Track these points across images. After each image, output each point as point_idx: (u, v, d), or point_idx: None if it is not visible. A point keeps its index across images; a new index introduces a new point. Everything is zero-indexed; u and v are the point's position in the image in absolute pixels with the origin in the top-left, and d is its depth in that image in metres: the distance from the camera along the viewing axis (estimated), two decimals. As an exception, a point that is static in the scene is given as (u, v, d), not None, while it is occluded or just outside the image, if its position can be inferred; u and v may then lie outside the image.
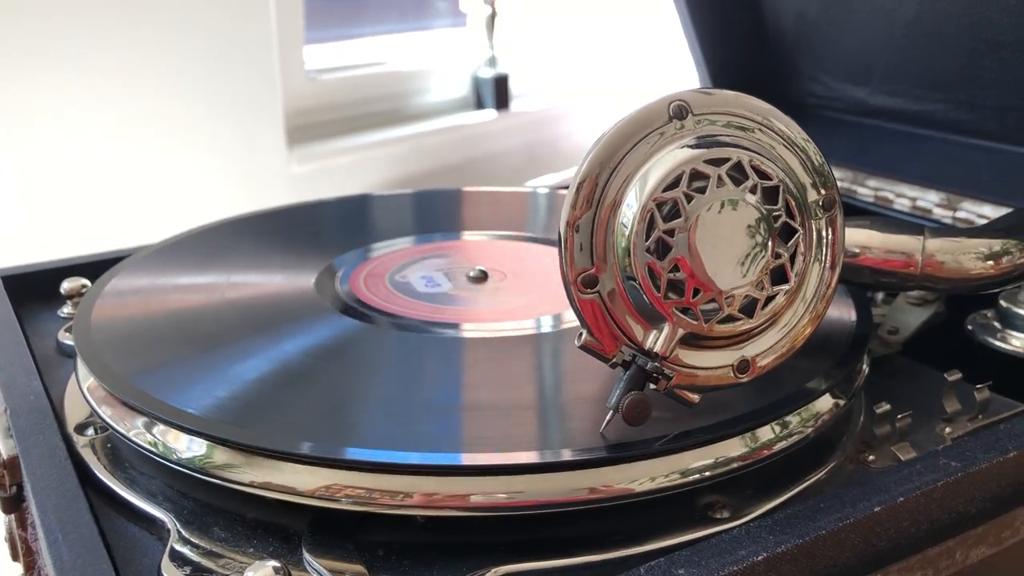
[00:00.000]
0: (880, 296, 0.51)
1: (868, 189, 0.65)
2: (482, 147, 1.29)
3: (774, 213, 0.31)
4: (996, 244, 0.41)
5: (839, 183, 0.67)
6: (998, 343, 0.47)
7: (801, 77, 0.71)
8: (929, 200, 0.62)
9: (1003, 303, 0.47)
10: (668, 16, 0.72)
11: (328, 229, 0.58)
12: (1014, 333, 0.47)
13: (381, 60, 1.28)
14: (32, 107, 0.84)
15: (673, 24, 0.72)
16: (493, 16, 1.30)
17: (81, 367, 0.39)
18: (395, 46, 1.33)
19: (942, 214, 0.60)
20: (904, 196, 0.63)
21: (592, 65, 1.41)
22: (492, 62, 1.31)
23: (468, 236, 0.55)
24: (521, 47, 1.39)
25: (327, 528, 0.32)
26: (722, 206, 0.31)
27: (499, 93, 1.31)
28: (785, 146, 0.33)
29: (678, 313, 0.31)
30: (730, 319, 0.31)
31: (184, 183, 0.95)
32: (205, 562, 0.31)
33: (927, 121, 0.64)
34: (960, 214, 0.60)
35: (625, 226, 0.31)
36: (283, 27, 1.05)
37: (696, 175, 0.31)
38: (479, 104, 1.33)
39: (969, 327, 0.48)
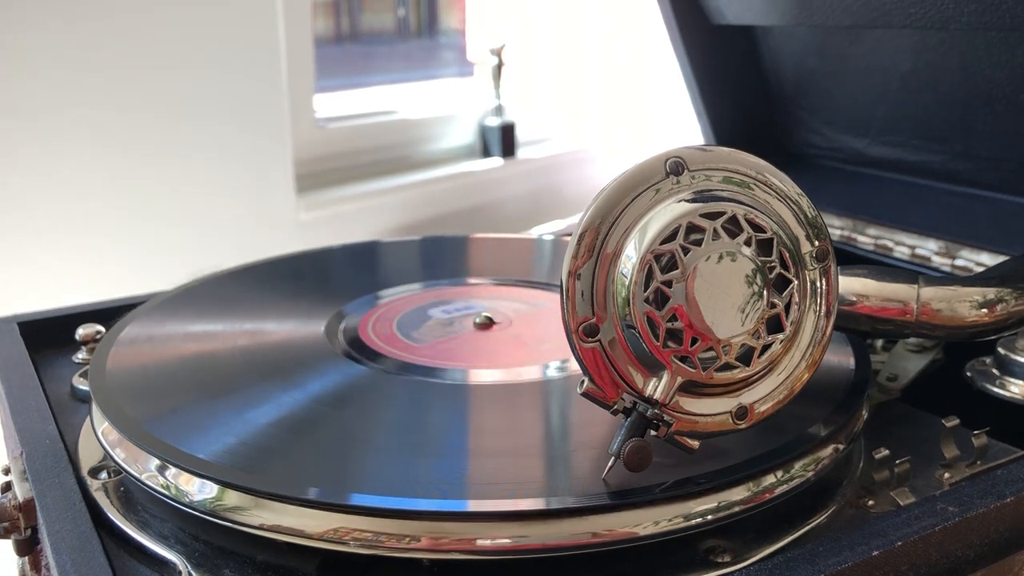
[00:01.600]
0: (879, 343, 0.52)
1: (868, 237, 0.66)
2: (488, 194, 1.31)
3: (769, 264, 0.32)
4: (991, 292, 0.42)
5: (839, 232, 0.68)
6: (997, 390, 0.47)
7: (801, 128, 0.72)
8: (928, 248, 0.63)
9: (1001, 350, 0.48)
10: (671, 68, 0.74)
11: (337, 276, 0.59)
12: (1012, 380, 0.47)
13: (389, 109, 1.30)
14: (45, 151, 0.85)
15: (676, 76, 0.73)
16: (499, 66, 1.32)
17: (96, 412, 0.40)
18: (403, 96, 1.35)
19: (941, 262, 0.61)
20: (903, 244, 0.64)
21: (598, 113, 1.43)
22: (498, 111, 1.33)
23: (475, 282, 0.57)
24: (527, 96, 1.41)
25: (335, 571, 0.33)
26: (719, 258, 0.32)
27: (505, 141, 1.33)
28: (779, 200, 0.34)
29: (677, 361, 0.32)
30: (728, 367, 0.32)
31: (193, 229, 0.97)
32: (215, 604, 0.32)
33: (925, 171, 0.66)
34: (959, 262, 0.61)
35: (625, 276, 0.32)
36: (293, 75, 1.07)
37: (692, 228, 0.32)
38: (485, 152, 1.35)
39: (968, 374, 0.49)
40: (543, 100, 1.43)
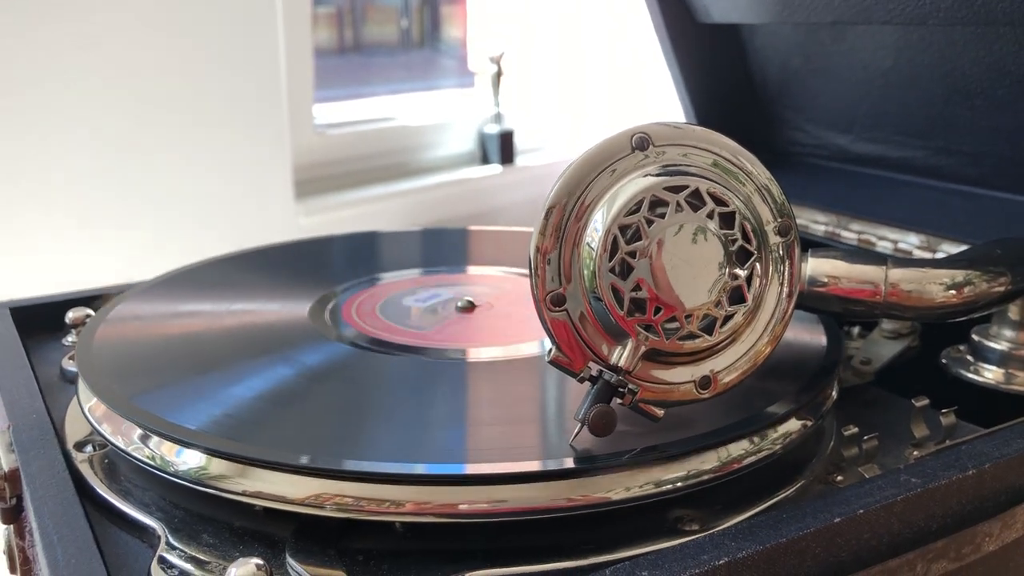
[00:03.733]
0: (856, 330, 0.53)
1: (852, 232, 0.67)
2: (487, 201, 1.32)
3: (731, 237, 0.33)
4: (959, 274, 0.43)
5: (824, 227, 0.69)
6: (971, 376, 0.48)
7: (786, 126, 0.74)
8: (910, 242, 0.63)
9: (975, 337, 0.49)
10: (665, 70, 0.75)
11: (327, 263, 0.60)
12: (986, 366, 0.48)
13: (390, 116, 1.31)
14: (46, 151, 0.87)
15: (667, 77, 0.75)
16: (498, 74, 1.34)
17: (83, 387, 0.41)
18: (404, 105, 1.37)
19: (923, 256, 0.62)
20: (886, 239, 0.65)
21: (598, 119, 1.44)
22: (497, 118, 1.34)
23: (460, 271, 0.58)
24: (527, 103, 1.42)
25: (310, 536, 0.34)
26: (683, 230, 0.33)
27: (504, 148, 1.35)
28: (746, 178, 0.35)
29: (641, 329, 0.33)
30: (691, 336, 0.33)
31: (192, 232, 0.98)
32: (192, 566, 0.33)
33: (907, 167, 0.67)
34: (939, 255, 0.61)
35: (591, 248, 0.33)
36: (293, 81, 1.08)
37: (656, 201, 0.33)
38: (485, 159, 1.36)
39: (943, 361, 0.50)
40: (543, 107, 1.45)
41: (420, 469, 0.33)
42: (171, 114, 0.95)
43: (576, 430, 0.34)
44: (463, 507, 0.33)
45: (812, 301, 0.43)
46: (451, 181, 1.28)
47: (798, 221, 0.54)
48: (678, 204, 0.33)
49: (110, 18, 0.88)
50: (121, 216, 0.92)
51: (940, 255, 0.61)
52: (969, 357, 0.49)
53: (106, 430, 0.39)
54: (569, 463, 0.34)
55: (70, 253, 0.89)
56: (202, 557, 0.33)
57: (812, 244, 0.66)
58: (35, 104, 0.85)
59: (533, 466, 0.33)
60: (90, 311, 0.50)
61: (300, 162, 1.13)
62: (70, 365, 0.47)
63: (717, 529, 0.35)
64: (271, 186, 1.06)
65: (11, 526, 0.40)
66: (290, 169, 1.07)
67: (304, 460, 0.34)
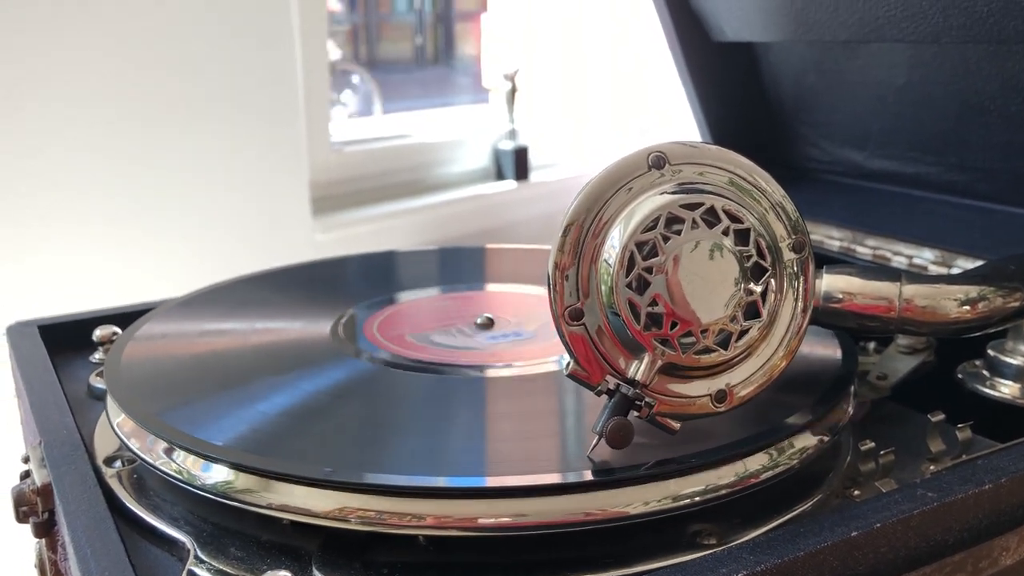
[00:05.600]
0: (872, 345, 0.53)
1: (867, 248, 0.68)
2: (502, 217, 1.32)
3: (746, 253, 0.34)
4: (973, 290, 0.43)
5: (839, 243, 0.69)
6: (987, 391, 0.49)
7: (801, 143, 0.74)
8: (925, 258, 0.64)
9: (991, 352, 0.49)
10: (679, 86, 0.76)
11: (348, 282, 0.61)
12: (1002, 381, 0.48)
13: (405, 133, 1.33)
14: (59, 174, 0.88)
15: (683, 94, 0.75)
16: (513, 91, 1.35)
17: (111, 404, 0.42)
18: (419, 122, 1.38)
19: (938, 271, 0.63)
20: (901, 254, 0.65)
21: (599, 124, 1.45)
22: (512, 135, 1.35)
23: (479, 288, 0.59)
24: (541, 120, 1.43)
25: (336, 549, 0.35)
26: (699, 247, 0.34)
27: (519, 164, 1.35)
28: (761, 196, 0.36)
29: (657, 344, 0.33)
30: (707, 350, 0.34)
31: (210, 248, 0.99)
32: (221, 580, 0.34)
33: (921, 183, 0.67)
34: (955, 271, 0.62)
35: (609, 264, 0.34)
36: (310, 99, 1.10)
37: (673, 219, 0.34)
38: (499, 175, 1.37)
39: (959, 375, 0.50)
40: (546, 114, 1.46)
41: (440, 482, 0.34)
42: (188, 131, 0.96)
43: (594, 442, 0.35)
44: (483, 521, 0.34)
45: (827, 317, 0.43)
46: (466, 197, 1.29)
47: (813, 237, 0.55)
48: (694, 221, 0.34)
49: (125, 34, 0.90)
50: (138, 232, 0.93)
51: (955, 271, 0.61)
52: (985, 372, 0.50)
53: (135, 445, 0.39)
54: (587, 475, 0.34)
55: (85, 269, 0.90)
56: (230, 570, 0.34)
57: (827, 260, 0.67)
58: (48, 116, 0.87)
59: (552, 479, 0.34)
60: (116, 328, 0.51)
61: (317, 179, 1.14)
62: (98, 382, 0.48)
63: (735, 543, 0.35)
64: (288, 203, 1.07)
65: (43, 540, 0.41)
66: (307, 186, 1.08)
67: (327, 474, 0.34)
